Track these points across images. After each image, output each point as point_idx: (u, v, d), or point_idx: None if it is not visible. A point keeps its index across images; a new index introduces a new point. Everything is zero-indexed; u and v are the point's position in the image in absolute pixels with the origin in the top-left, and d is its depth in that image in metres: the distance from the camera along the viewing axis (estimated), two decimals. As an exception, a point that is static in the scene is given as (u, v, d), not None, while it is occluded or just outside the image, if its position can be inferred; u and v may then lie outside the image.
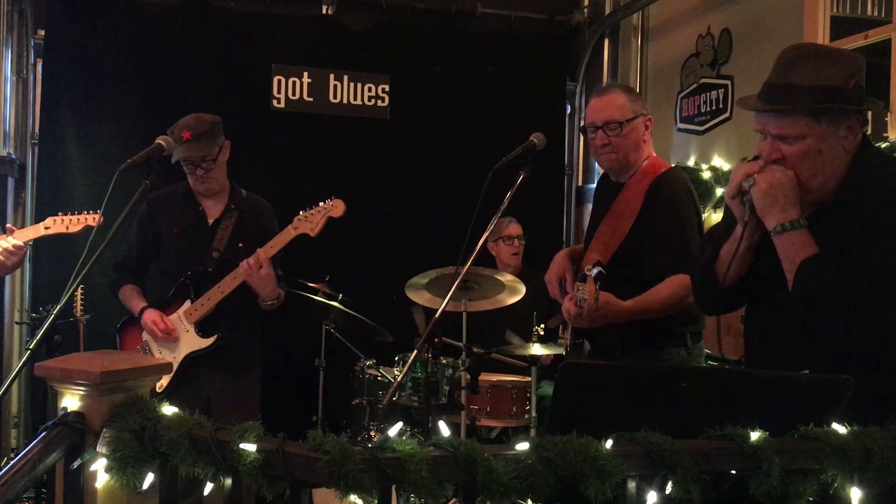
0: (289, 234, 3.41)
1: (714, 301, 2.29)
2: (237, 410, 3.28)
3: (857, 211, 1.97)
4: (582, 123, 3.01)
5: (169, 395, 3.41)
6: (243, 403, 3.46)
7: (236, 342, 3.51)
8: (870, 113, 3.59)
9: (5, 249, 3.31)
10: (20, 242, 3.35)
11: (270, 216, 3.65)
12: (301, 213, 3.45)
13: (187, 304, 3.46)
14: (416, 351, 2.74)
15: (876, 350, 1.93)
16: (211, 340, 3.44)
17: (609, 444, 1.54)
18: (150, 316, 3.45)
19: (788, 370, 2.01)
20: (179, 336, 3.46)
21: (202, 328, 3.45)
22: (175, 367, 3.45)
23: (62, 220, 3.48)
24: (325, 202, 3.44)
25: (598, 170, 6.01)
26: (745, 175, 2.05)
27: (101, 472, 1.68)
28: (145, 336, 3.54)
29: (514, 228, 4.81)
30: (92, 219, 3.47)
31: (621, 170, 2.92)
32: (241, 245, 3.46)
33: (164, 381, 3.45)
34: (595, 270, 2.56)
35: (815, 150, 1.99)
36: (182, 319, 3.46)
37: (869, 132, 3.56)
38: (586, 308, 2.56)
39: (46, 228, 3.47)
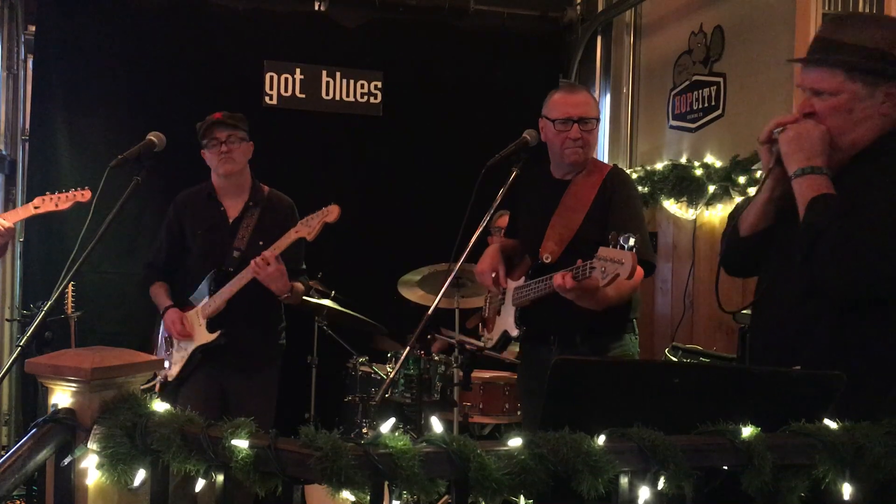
0: (290, 236, 3.44)
1: (734, 256, 2.24)
2: (251, 402, 3.39)
3: (877, 164, 1.94)
4: (551, 116, 2.92)
5: (183, 385, 3.50)
6: (258, 397, 3.52)
7: (250, 338, 3.55)
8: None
9: None
10: (8, 224, 3.29)
11: (291, 213, 3.66)
12: (305, 217, 3.47)
13: (205, 300, 3.52)
14: (408, 348, 2.74)
15: (872, 294, 1.88)
16: (215, 335, 3.48)
17: (601, 440, 1.54)
18: (171, 316, 3.53)
19: (784, 323, 2.03)
20: (195, 331, 3.52)
21: (212, 323, 3.50)
22: (186, 357, 3.52)
23: (51, 199, 3.46)
24: (323, 208, 3.44)
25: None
26: (777, 124, 2.03)
27: (91, 468, 1.67)
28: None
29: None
30: (81, 195, 3.45)
31: (579, 166, 2.96)
32: (261, 243, 3.47)
33: (175, 371, 3.52)
34: (632, 240, 2.33)
35: (845, 107, 1.95)
36: (198, 315, 3.53)
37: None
38: (598, 282, 2.40)
39: (36, 208, 3.45)
